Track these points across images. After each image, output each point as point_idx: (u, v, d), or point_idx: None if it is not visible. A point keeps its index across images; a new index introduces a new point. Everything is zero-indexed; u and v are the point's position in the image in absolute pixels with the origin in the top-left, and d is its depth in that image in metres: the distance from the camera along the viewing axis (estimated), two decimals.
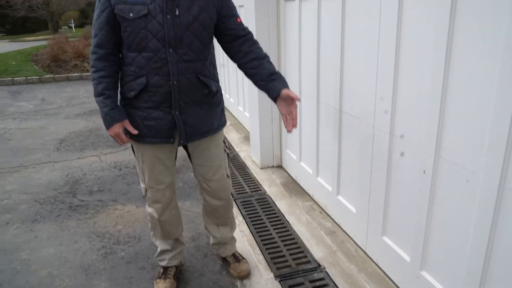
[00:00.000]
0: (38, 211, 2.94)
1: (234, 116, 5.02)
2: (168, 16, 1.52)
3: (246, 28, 1.73)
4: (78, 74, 9.29)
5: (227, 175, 1.91)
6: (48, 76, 9.20)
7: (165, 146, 1.73)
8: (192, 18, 1.56)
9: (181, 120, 1.66)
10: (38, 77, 9.13)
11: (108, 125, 1.63)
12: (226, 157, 1.91)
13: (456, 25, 1.35)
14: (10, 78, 8.99)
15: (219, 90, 1.80)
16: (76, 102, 6.78)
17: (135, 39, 1.55)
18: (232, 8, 1.70)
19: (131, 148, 1.82)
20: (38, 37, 24.70)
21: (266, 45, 3.03)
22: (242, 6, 3.83)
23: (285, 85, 1.62)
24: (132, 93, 1.61)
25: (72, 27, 30.65)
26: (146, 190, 1.81)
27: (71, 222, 2.75)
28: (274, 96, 1.62)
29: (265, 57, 1.70)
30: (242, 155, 3.74)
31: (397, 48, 1.67)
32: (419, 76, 1.57)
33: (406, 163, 1.73)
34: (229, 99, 5.08)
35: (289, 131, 1.64)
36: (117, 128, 1.64)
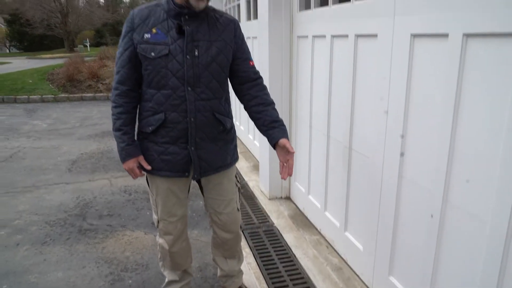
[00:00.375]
0: (48, 233, 2.99)
1: (243, 144, 5.08)
2: (188, 56, 1.60)
3: (258, 72, 1.82)
4: (92, 94, 9.49)
5: (237, 208, 1.95)
6: (63, 95, 9.41)
7: (179, 180, 1.79)
8: (210, 59, 1.64)
9: (197, 155, 1.72)
10: (53, 96, 9.34)
11: (123, 159, 1.70)
12: (237, 191, 1.96)
13: (465, 68, 1.40)
14: (26, 96, 9.22)
15: (233, 127, 1.87)
16: (89, 123, 6.90)
17: (155, 77, 1.62)
18: (247, 51, 1.79)
19: (145, 180, 1.87)
20: (54, 55, 25.33)
21: (278, 78, 3.11)
22: (256, 37, 3.94)
23: (285, 135, 1.72)
24: (150, 128, 1.68)
25: (87, 46, 31.43)
26: (158, 222, 1.86)
27: (80, 246, 2.79)
28: (273, 143, 1.73)
29: (271, 104, 1.79)
30: (251, 184, 3.77)
31: (407, 91, 1.71)
32: (429, 119, 1.61)
33: (414, 205, 1.75)
34: (239, 127, 5.16)
35: (283, 178, 1.72)
36: (131, 163, 1.71)
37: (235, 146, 1.92)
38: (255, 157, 4.53)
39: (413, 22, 1.62)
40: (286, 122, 3.14)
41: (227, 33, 1.70)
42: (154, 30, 1.60)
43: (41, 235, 2.96)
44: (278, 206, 3.25)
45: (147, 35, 1.60)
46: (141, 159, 1.72)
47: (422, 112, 1.64)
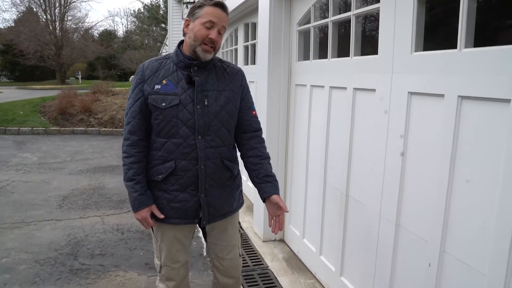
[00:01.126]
0: (37, 273, 2.92)
1: None
2: (198, 106, 1.67)
3: (259, 122, 1.90)
4: (83, 128, 9.50)
5: (240, 254, 1.97)
6: (54, 128, 9.40)
7: (186, 227, 1.81)
8: (219, 108, 1.72)
9: (206, 202, 1.75)
10: (44, 128, 9.32)
11: (136, 209, 1.71)
12: (240, 237, 1.98)
13: (461, 125, 1.50)
14: (17, 128, 9.18)
15: (239, 173, 1.92)
16: (80, 158, 6.87)
17: (166, 126, 1.67)
18: (251, 101, 1.88)
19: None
20: (45, 86, 25.40)
21: (275, 122, 3.20)
22: (253, 82, 4.07)
23: (277, 191, 1.77)
24: (160, 176, 1.71)
25: (79, 79, 31.67)
26: (161, 267, 1.86)
27: (71, 287, 2.73)
28: (264, 197, 1.78)
29: (267, 158, 1.85)
30: (245, 225, 3.78)
31: (405, 143, 1.80)
32: (426, 170, 1.69)
33: (411, 253, 1.80)
34: None
35: (274, 232, 1.78)
36: (144, 213, 1.72)
37: (241, 192, 1.97)
38: (248, 199, 4.54)
39: (411, 81, 1.74)
40: (282, 166, 3.22)
41: (235, 82, 1.79)
42: (164, 82, 1.67)
43: (30, 275, 2.89)
44: (272, 249, 3.25)
45: (157, 86, 1.67)
46: (154, 208, 1.74)
47: (419, 164, 1.73)
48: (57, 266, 3.02)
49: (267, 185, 1.77)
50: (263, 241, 3.38)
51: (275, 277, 2.82)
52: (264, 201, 1.79)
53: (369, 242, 2.11)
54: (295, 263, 3.02)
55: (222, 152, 1.76)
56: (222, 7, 1.68)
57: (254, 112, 1.88)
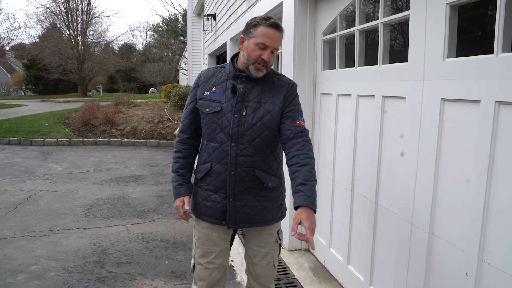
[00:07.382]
0: (66, 280, 2.97)
1: None
2: (235, 115, 1.73)
3: (304, 131, 1.75)
4: (106, 139, 9.68)
5: (274, 264, 1.96)
6: (78, 139, 9.60)
7: (219, 227, 1.86)
8: (256, 119, 1.73)
9: (233, 206, 1.80)
10: (68, 139, 9.53)
11: (174, 197, 1.89)
12: (278, 248, 1.97)
13: (498, 133, 1.47)
14: (42, 139, 9.42)
15: (280, 186, 1.90)
16: (103, 168, 6.99)
17: (207, 130, 1.80)
18: (296, 111, 1.77)
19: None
20: (67, 99, 26.02)
21: None
22: None
23: (305, 202, 1.56)
24: (199, 175, 1.85)
25: (100, 91, 32.36)
26: (194, 267, 1.91)
27: None
28: (294, 207, 1.60)
29: (305, 165, 1.66)
30: None
31: (438, 151, 1.78)
32: (460, 178, 1.66)
33: (447, 263, 1.76)
34: None
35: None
36: (178, 202, 1.87)
37: (280, 205, 1.92)
38: None
39: (444, 87, 1.72)
40: None
41: (278, 95, 1.76)
42: (213, 89, 1.80)
43: (59, 282, 2.94)
44: (298, 258, 3.23)
45: (206, 93, 1.80)
46: (186, 199, 1.85)
47: (454, 171, 1.70)
48: (85, 274, 3.06)
49: (297, 195, 1.60)
50: (288, 250, 3.35)
51: (302, 286, 2.79)
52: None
53: (400, 252, 2.08)
54: (322, 272, 2.99)
55: (255, 162, 1.76)
56: (277, 27, 1.68)
57: (297, 122, 1.75)
